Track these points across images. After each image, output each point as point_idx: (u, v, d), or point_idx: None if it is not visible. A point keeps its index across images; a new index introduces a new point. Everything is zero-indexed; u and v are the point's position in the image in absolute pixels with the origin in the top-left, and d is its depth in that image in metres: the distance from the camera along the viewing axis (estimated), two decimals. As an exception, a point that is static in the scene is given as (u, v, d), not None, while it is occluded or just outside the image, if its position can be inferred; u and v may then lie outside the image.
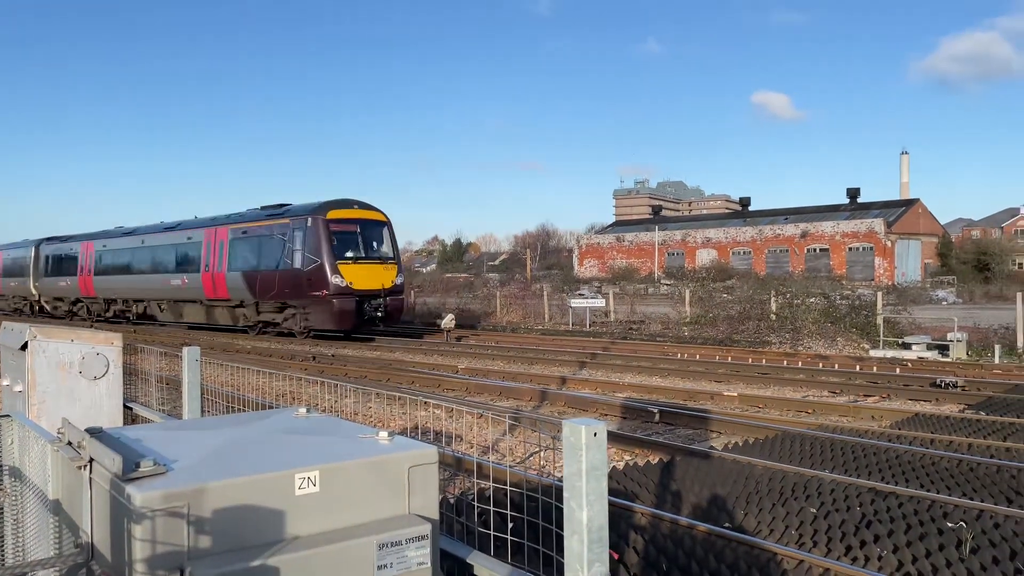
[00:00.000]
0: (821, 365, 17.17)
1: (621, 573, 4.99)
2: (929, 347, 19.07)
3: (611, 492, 3.55)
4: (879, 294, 24.50)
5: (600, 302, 32.63)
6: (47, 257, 39.73)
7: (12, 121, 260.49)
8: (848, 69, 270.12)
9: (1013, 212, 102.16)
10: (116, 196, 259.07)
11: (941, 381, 13.57)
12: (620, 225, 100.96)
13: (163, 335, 26.86)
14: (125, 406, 6.72)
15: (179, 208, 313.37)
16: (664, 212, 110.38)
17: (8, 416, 3.46)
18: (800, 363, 17.37)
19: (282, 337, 25.74)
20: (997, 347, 18.50)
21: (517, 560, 3.81)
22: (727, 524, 5.93)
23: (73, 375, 6.21)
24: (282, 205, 26.74)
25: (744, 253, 76.12)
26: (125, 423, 6.48)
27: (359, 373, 16.40)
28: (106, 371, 6.35)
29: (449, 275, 75.09)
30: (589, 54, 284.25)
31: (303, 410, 3.40)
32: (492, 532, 3.87)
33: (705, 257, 77.59)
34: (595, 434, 2.43)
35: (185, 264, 29.36)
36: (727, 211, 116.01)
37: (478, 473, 5.75)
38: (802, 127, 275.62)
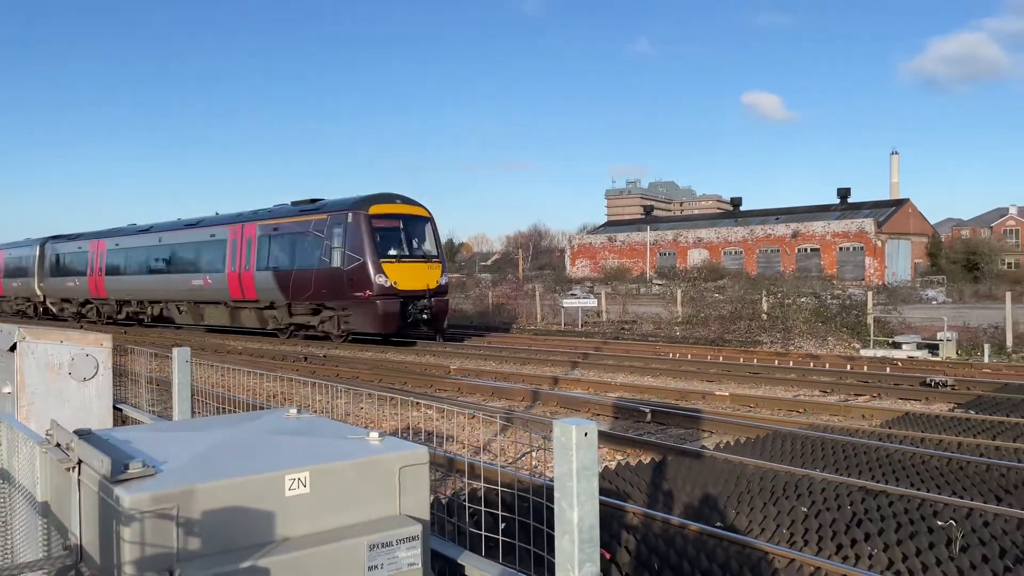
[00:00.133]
0: (812, 364, 17.21)
1: (613, 573, 4.99)
2: (919, 346, 19.16)
3: (603, 492, 3.55)
4: (869, 294, 24.58)
5: (592, 302, 32.65)
6: (53, 256, 37.68)
7: (12, 121, 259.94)
8: (838, 70, 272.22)
9: (1002, 212, 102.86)
10: (116, 196, 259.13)
11: (931, 380, 13.62)
12: (612, 225, 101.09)
13: (154, 335, 26.70)
14: (115, 407, 6.70)
15: (179, 208, 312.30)
16: (656, 212, 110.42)
17: (-4, 418, 3.43)
18: (791, 363, 17.42)
19: (312, 340, 24.10)
20: (986, 346, 18.59)
21: (509, 560, 3.80)
22: (719, 523, 5.94)
23: (62, 376, 6.19)
24: (315, 200, 25.00)
25: (735, 253, 76.31)
26: (115, 424, 6.45)
27: (351, 374, 16.36)
28: (95, 372, 6.32)
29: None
30: (581, 54, 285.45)
31: (294, 411, 3.39)
32: (484, 532, 3.87)
33: (697, 257, 77.76)
34: (586, 434, 2.43)
35: (208, 263, 27.41)
36: (718, 211, 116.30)
37: (470, 473, 5.76)
38: (793, 127, 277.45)
